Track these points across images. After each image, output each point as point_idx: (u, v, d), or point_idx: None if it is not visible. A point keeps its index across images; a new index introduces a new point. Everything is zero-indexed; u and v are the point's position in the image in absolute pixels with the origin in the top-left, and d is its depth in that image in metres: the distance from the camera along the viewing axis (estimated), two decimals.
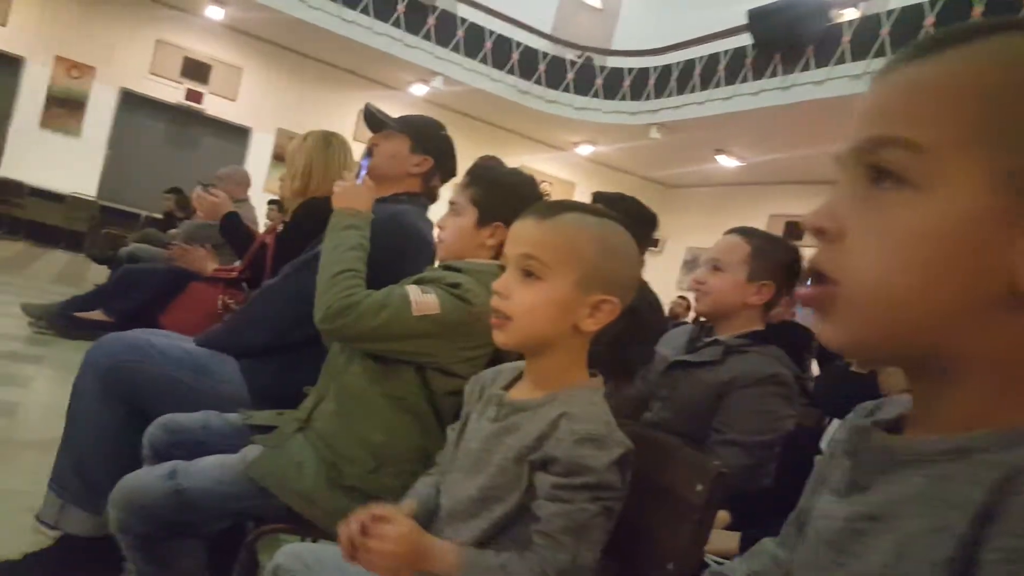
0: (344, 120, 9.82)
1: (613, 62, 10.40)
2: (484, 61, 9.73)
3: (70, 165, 8.99)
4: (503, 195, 1.42)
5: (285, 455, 1.30)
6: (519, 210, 1.06)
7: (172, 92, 9.43)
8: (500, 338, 0.96)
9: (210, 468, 1.28)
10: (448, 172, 1.87)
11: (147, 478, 1.27)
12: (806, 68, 7.47)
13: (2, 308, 4.30)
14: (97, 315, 3.64)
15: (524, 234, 0.96)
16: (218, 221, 2.88)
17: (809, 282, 0.48)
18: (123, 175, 9.29)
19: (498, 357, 1.22)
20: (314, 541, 1.30)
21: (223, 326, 1.83)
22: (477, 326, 1.26)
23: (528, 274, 0.94)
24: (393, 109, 1.94)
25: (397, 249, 1.55)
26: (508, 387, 1.02)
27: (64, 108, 8.98)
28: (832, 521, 0.49)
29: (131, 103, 9.36)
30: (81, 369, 1.63)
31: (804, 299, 0.48)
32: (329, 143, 2.26)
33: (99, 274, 4.94)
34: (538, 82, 10.08)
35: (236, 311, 2.03)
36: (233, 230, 2.89)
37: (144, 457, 1.42)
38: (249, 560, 1.27)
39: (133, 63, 9.25)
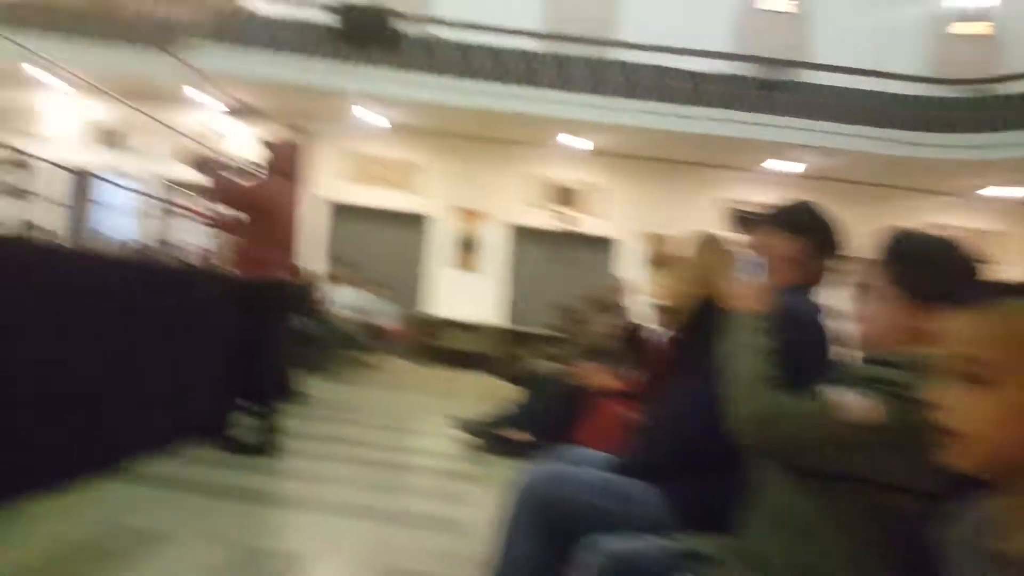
0: (708, 213, 9.92)
1: (1017, 87, 8.85)
2: (856, 121, 9.07)
3: (477, 297, 10.61)
4: (929, 269, 1.24)
5: None
6: (951, 285, 0.88)
7: (550, 219, 10.64)
8: (953, 460, 0.79)
9: None
10: (831, 247, 1.73)
11: None
12: None
13: (437, 428, 5.09)
14: (519, 434, 4.10)
15: (960, 331, 0.80)
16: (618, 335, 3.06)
17: None
18: (520, 300, 10.64)
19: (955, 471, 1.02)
20: None
21: (632, 448, 1.88)
22: (922, 432, 1.08)
23: (974, 379, 0.77)
24: (761, 191, 1.89)
25: (791, 342, 1.44)
26: (1001, 535, 0.77)
27: (466, 250, 10.76)
28: None
29: (518, 235, 10.80)
30: (509, 500, 1.74)
31: None
32: (714, 243, 2.27)
33: (514, 393, 5.59)
34: (926, 129, 9.00)
35: (642, 428, 2.08)
36: (633, 339, 3.05)
37: None
38: None
39: (515, 201, 10.72)
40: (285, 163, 3.90)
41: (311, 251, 7.00)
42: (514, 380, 5.78)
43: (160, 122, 5.69)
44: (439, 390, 7.64)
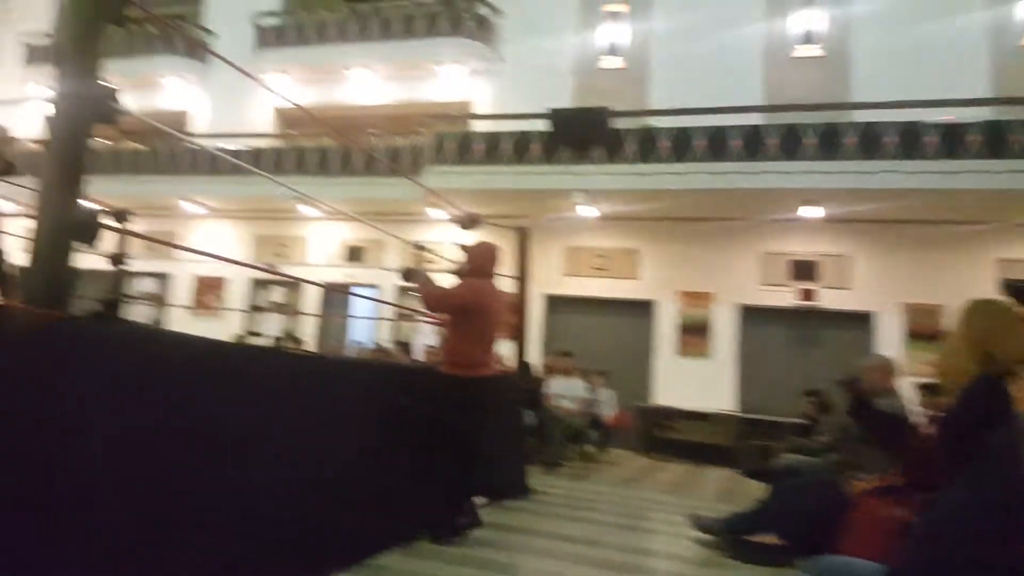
0: (980, 277, 8.80)
1: None
2: None
3: (707, 384, 10.17)
4: None
5: None
6: None
7: (785, 297, 10.03)
8: None
9: None
10: None
11: None
12: None
13: (672, 527, 4.83)
14: (766, 537, 3.75)
15: None
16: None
17: None
18: (756, 385, 10.03)
19: None
20: None
21: (905, 556, 1.61)
22: None
23: None
24: None
25: None
26: None
27: (693, 335, 10.43)
28: None
29: (749, 316, 10.29)
30: None
31: None
32: (992, 310, 1.96)
33: (757, 489, 5.19)
34: None
35: (916, 530, 1.78)
36: (877, 423, 2.69)
37: None
38: None
39: (744, 280, 10.29)
40: (483, 264, 4.23)
41: (531, 345, 7.22)
42: (757, 475, 5.37)
43: (396, 236, 6.37)
44: (671, 485, 7.35)
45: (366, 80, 12.77)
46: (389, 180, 10.51)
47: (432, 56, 12.08)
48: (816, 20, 10.64)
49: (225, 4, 13.97)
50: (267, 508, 2.84)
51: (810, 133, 8.83)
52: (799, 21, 10.73)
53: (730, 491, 6.92)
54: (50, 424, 1.99)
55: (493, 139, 9.98)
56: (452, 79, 12.30)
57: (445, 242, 7.05)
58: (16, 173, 4.40)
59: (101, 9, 2.21)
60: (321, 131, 11.70)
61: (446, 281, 4.31)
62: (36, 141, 10.38)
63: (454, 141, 10.15)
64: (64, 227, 2.07)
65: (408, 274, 4.30)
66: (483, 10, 12.00)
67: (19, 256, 2.37)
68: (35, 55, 14.38)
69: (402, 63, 12.34)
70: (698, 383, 10.21)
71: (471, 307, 4.06)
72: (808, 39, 10.62)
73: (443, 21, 11.92)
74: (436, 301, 4.15)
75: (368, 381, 3.98)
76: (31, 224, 2.07)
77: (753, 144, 9.00)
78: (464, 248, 4.33)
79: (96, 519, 2.14)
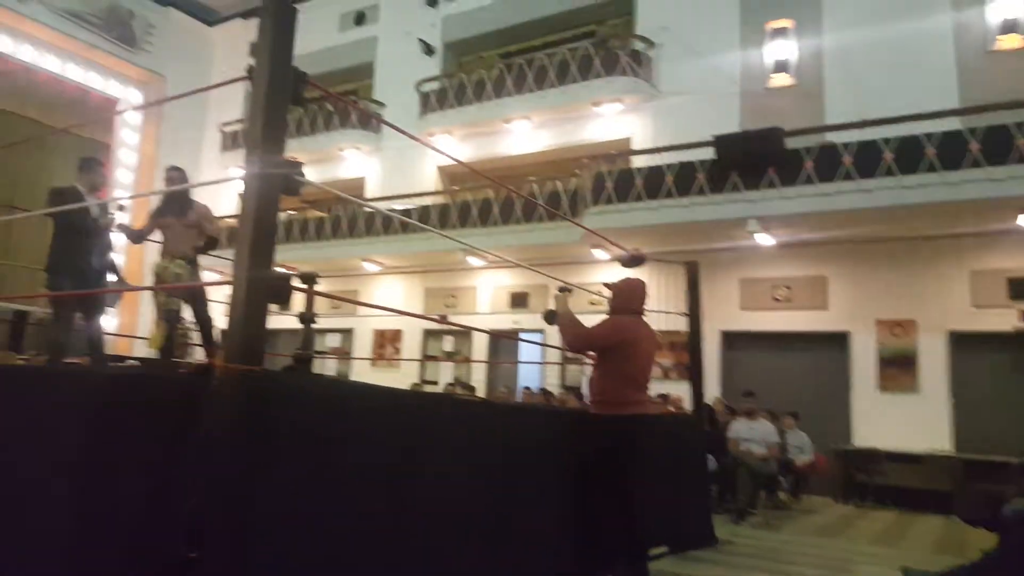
0: None
1: None
2: None
3: (916, 422, 9.29)
4: None
5: None
6: None
7: (1003, 320, 9.03)
8: None
9: None
10: None
11: None
12: None
13: None
14: None
15: None
16: None
17: None
18: (976, 422, 9.04)
19: None
20: None
21: None
22: None
23: None
24: None
25: None
26: None
27: (896, 367, 9.61)
28: None
29: (962, 344, 9.34)
30: None
31: None
32: None
33: (981, 538, 4.67)
34: None
35: None
36: None
37: None
38: None
39: (952, 303, 9.39)
40: (628, 300, 4.19)
41: (708, 384, 7.01)
42: (982, 523, 4.85)
43: (559, 280, 6.51)
44: (878, 534, 6.80)
45: (524, 129, 13.24)
46: (550, 225, 10.81)
47: (589, 98, 12.27)
48: (1017, 8, 9.68)
49: (391, 76, 15.15)
50: (447, 551, 2.97)
51: (1021, 133, 7.98)
52: (995, 12, 9.79)
53: (949, 541, 6.30)
54: (254, 469, 2.24)
55: (655, 173, 9.92)
56: (610, 118, 12.44)
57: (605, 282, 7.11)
58: (219, 247, 5.04)
59: (283, 92, 2.51)
60: (483, 184, 12.25)
61: (594, 321, 4.31)
62: (234, 216, 11.75)
63: (614, 180, 10.22)
64: (258, 291, 2.34)
65: (550, 316, 4.34)
66: (637, 45, 12.10)
67: (222, 320, 2.71)
68: (230, 141, 16.37)
69: (559, 108, 12.66)
70: (905, 422, 9.36)
71: (615, 344, 4.02)
72: (1010, 28, 9.68)
73: (597, 62, 12.13)
74: (577, 340, 4.15)
75: (534, 426, 4.06)
76: (231, 291, 2.37)
77: (952, 151, 8.24)
78: (609, 286, 4.33)
79: (297, 561, 2.36)
